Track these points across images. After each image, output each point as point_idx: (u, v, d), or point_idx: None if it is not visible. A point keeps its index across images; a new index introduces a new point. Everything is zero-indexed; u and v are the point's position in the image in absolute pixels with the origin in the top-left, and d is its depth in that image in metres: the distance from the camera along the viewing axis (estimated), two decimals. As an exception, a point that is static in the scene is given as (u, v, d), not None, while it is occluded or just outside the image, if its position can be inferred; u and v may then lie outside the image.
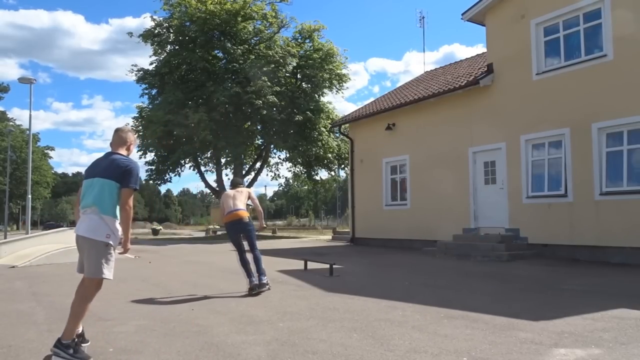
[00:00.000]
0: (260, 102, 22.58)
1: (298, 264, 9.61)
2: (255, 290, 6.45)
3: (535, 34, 11.82)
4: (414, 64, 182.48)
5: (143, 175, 27.20)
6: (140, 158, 26.54)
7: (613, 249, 10.02)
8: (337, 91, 27.13)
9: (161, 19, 25.63)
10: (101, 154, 4.13)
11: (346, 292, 6.61)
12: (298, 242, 20.64)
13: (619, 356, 3.65)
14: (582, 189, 10.63)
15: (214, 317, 5.21)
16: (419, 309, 5.47)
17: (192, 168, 27.78)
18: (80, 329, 3.74)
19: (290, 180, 42.60)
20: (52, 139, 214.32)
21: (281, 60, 23.92)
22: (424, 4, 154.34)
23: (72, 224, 63.37)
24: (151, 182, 28.85)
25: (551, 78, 11.48)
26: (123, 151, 3.91)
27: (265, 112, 22.88)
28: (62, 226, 49.22)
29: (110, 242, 3.67)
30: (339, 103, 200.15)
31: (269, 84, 22.69)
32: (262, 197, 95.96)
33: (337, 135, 25.45)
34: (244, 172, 28.32)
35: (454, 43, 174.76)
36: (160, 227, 41.89)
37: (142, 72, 26.01)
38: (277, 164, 30.29)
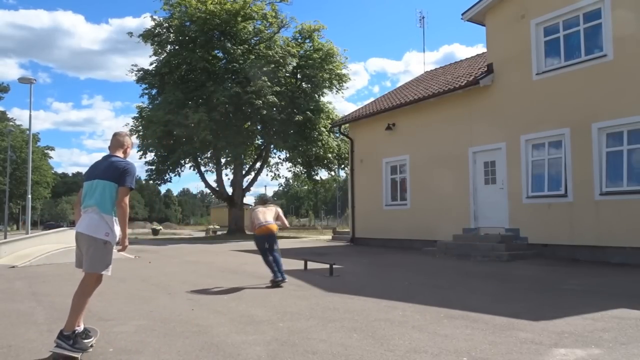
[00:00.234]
0: (260, 102, 22.59)
1: (298, 264, 9.61)
2: (276, 284, 7.34)
3: (535, 34, 11.82)
4: (414, 64, 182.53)
5: (143, 175, 27.23)
6: (140, 158, 26.56)
7: (613, 249, 10.02)
8: (337, 91, 27.19)
9: (161, 19, 25.68)
10: (101, 154, 4.26)
11: (346, 292, 6.62)
12: (298, 242, 20.64)
13: (619, 356, 3.65)
14: (582, 189, 10.63)
15: (214, 317, 5.21)
16: (419, 309, 5.47)
17: (192, 168, 27.82)
18: (81, 327, 3.86)
19: (290, 180, 42.67)
20: (52, 139, 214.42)
21: (281, 60, 23.92)
22: (424, 4, 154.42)
23: (72, 224, 63.33)
24: (151, 182, 28.88)
25: (551, 78, 11.48)
26: (120, 154, 4.16)
27: (265, 112, 22.89)
28: (62, 226, 49.21)
29: (109, 240, 3.87)
30: (339, 103, 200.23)
31: (269, 84, 22.70)
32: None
33: (337, 135, 25.46)
34: (244, 172, 28.35)
35: (454, 43, 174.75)
36: (160, 227, 41.85)
37: (142, 72, 26.02)
38: (277, 164, 30.39)
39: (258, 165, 29.26)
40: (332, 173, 31.15)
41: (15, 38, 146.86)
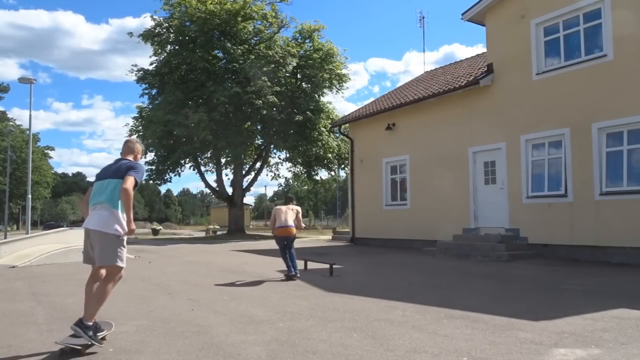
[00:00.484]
0: (260, 102, 22.58)
1: (298, 264, 9.60)
2: (290, 277, 8.08)
3: (535, 34, 11.82)
4: (414, 64, 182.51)
5: (143, 175, 27.20)
6: (140, 158, 26.52)
7: (613, 249, 10.03)
8: (337, 91, 27.16)
9: (161, 19, 25.66)
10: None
11: (346, 292, 6.62)
12: (298, 242, 20.51)
13: (619, 356, 3.65)
14: (582, 189, 10.63)
15: (214, 317, 5.21)
16: (419, 308, 5.47)
17: (192, 168, 27.79)
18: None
19: (290, 180, 42.59)
20: (52, 139, 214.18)
21: (281, 60, 23.91)
22: (424, 4, 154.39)
23: (72, 223, 63.50)
24: (151, 182, 28.84)
25: (551, 78, 11.48)
26: (131, 158, 4.42)
27: (265, 112, 22.88)
28: (62, 226, 49.17)
29: (120, 233, 4.04)
30: (339, 103, 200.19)
31: (269, 84, 22.69)
32: (262, 197, 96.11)
33: (337, 135, 25.45)
34: (244, 172, 28.35)
35: (454, 43, 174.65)
36: (160, 227, 41.85)
37: (142, 72, 26.00)
38: (277, 164, 30.37)
39: (258, 165, 29.25)
40: (332, 173, 31.16)
41: (15, 38, 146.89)
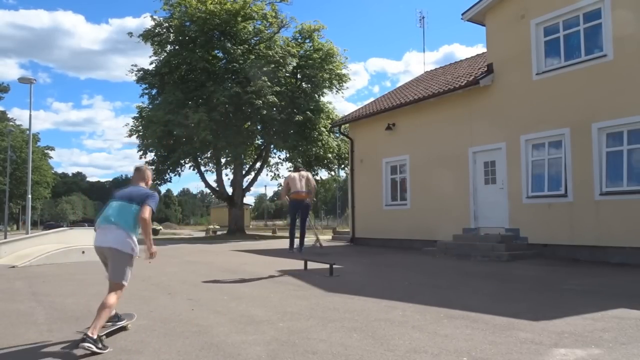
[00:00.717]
0: (260, 102, 22.58)
1: (298, 264, 9.61)
2: (292, 252, 8.76)
3: (535, 34, 11.82)
4: (414, 64, 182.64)
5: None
6: (140, 158, 26.49)
7: (613, 249, 10.02)
8: (337, 91, 27.19)
9: (161, 19, 25.67)
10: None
11: (346, 292, 6.61)
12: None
13: (619, 356, 3.65)
14: (582, 189, 10.63)
15: (214, 317, 5.21)
16: (419, 308, 5.47)
17: (192, 168, 27.79)
18: (113, 311, 4.36)
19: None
20: (52, 139, 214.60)
21: (281, 60, 23.92)
22: (424, 4, 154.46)
23: (72, 224, 63.43)
24: (151, 182, 28.85)
25: (551, 78, 11.48)
26: (143, 184, 4.73)
27: (265, 112, 22.89)
28: (62, 226, 49.15)
29: (135, 253, 4.43)
30: (339, 103, 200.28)
31: (269, 84, 22.69)
32: (262, 197, 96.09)
33: (337, 135, 25.45)
34: (244, 172, 28.35)
35: (454, 43, 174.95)
36: (160, 227, 41.88)
37: (142, 72, 26.01)
38: (277, 164, 30.35)
39: (258, 165, 29.26)
40: (332, 173, 31.15)
41: (15, 38, 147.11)
